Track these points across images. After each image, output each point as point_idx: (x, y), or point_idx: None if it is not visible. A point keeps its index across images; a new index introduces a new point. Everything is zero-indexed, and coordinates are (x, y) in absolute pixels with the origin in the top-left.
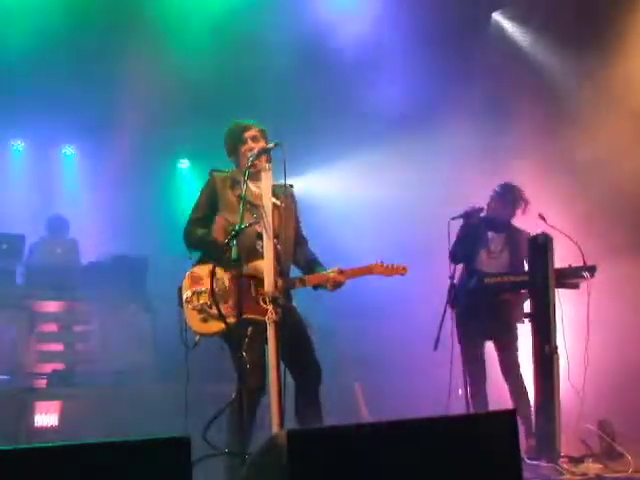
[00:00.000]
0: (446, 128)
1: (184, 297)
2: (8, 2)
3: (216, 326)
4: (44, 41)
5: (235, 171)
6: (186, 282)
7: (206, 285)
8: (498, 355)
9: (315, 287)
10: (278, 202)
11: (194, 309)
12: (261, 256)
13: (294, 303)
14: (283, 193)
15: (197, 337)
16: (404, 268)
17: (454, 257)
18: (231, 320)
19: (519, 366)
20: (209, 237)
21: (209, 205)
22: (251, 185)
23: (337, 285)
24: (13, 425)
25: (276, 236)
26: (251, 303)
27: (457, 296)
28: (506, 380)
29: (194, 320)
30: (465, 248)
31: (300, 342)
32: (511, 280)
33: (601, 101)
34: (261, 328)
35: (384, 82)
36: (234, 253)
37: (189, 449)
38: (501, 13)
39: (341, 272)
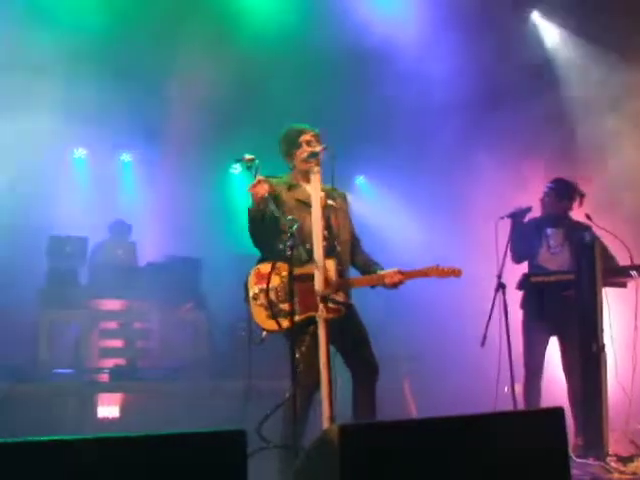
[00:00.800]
0: (492, 127)
1: (251, 294)
2: (66, 7)
3: (284, 323)
4: (101, 51)
5: (291, 175)
6: (252, 279)
7: (272, 282)
8: (561, 352)
9: (372, 286)
10: (335, 204)
11: (261, 306)
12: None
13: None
14: (338, 196)
15: (264, 333)
16: (459, 270)
17: (517, 256)
18: (286, 321)
19: (579, 364)
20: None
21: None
22: (306, 187)
23: (395, 285)
24: (78, 416)
25: (336, 237)
26: (314, 301)
27: (526, 293)
28: (567, 377)
29: (261, 316)
30: (524, 246)
31: (359, 339)
32: (558, 279)
33: None
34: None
35: (428, 79)
36: (303, 253)
37: (245, 441)
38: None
39: (400, 273)
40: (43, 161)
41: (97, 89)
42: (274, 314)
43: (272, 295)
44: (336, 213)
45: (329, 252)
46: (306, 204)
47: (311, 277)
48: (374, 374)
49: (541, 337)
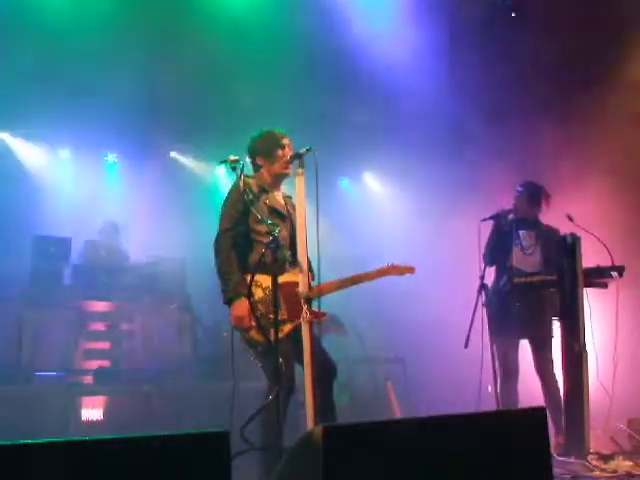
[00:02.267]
0: (476, 132)
1: None
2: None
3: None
4: (84, 50)
5: (259, 177)
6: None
7: (256, 296)
8: (532, 353)
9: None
10: (293, 213)
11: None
12: (289, 264)
13: None
14: (292, 205)
15: (259, 348)
16: (413, 268)
17: (488, 259)
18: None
19: (553, 364)
20: (233, 274)
21: (239, 211)
22: (275, 193)
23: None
24: (61, 418)
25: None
26: (296, 306)
27: (490, 295)
28: (540, 378)
29: (253, 330)
30: (498, 249)
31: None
32: (540, 279)
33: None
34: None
35: (415, 92)
36: (288, 256)
37: (229, 443)
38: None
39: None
40: (27, 161)
41: (79, 89)
42: (267, 326)
43: (262, 308)
44: (294, 222)
45: (295, 261)
46: (278, 212)
47: (294, 284)
48: (334, 374)
49: (511, 339)
